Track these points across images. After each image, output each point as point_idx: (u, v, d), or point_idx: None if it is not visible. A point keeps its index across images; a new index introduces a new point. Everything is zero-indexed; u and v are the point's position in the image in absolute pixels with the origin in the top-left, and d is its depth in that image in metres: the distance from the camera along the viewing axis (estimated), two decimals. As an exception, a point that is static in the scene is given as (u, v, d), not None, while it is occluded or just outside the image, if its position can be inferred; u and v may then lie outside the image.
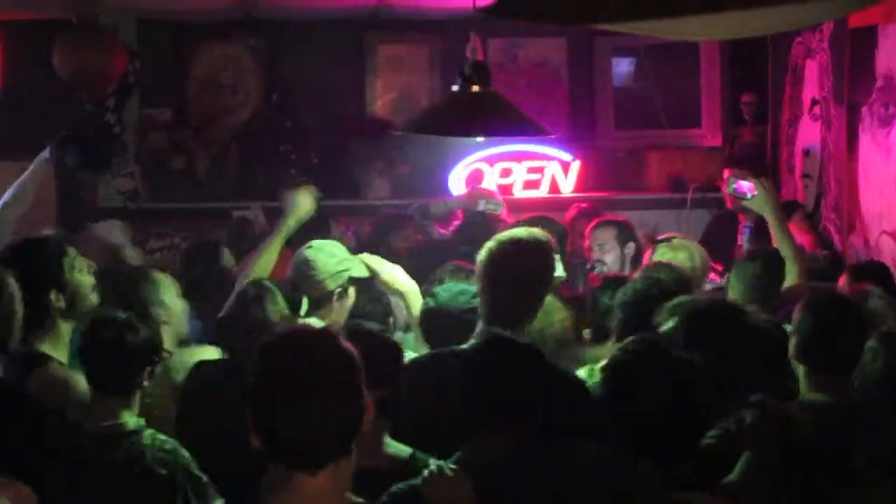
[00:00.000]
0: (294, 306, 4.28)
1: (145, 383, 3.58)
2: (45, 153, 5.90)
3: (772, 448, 3.12)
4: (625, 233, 5.97)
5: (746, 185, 5.02)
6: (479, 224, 6.09)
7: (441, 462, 3.03)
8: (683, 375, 2.98)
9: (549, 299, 4.22)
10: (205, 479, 3.45)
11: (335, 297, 4.42)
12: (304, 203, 4.89)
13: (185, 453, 3.48)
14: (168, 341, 4.06)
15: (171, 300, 4.35)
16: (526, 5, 2.48)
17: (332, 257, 4.45)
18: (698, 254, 5.22)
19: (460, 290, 4.12)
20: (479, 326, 3.80)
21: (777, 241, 4.98)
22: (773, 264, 4.76)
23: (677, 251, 5.11)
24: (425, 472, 3.00)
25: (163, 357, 3.72)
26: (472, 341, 3.73)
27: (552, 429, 3.13)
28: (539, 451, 3.07)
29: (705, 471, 3.04)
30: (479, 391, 3.13)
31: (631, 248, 5.83)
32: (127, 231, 6.26)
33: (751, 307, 4.13)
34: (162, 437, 3.51)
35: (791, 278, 4.85)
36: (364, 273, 4.52)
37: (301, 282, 4.41)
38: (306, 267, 4.41)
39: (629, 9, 2.32)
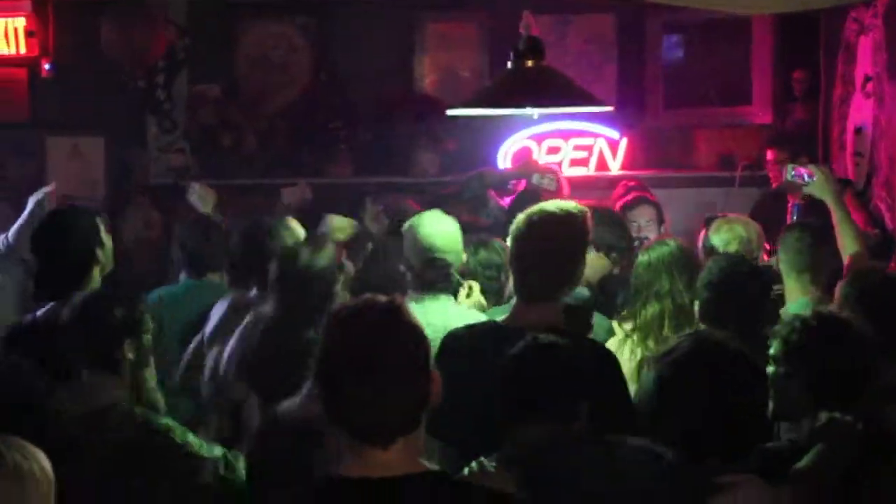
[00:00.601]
0: None
1: (130, 356, 3.61)
2: (40, 195, 5.92)
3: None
4: (661, 213, 6.04)
5: (805, 171, 5.00)
6: (528, 202, 6.06)
7: (482, 459, 2.98)
8: (736, 376, 2.95)
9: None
10: (197, 448, 3.46)
11: None
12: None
13: (177, 426, 3.50)
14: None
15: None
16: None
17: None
18: (754, 229, 5.20)
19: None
20: (514, 301, 3.79)
21: (837, 223, 4.92)
22: (817, 233, 4.74)
23: (734, 225, 5.11)
24: (465, 470, 2.96)
25: (149, 330, 3.74)
26: (505, 315, 3.75)
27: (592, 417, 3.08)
28: (580, 447, 3.00)
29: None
30: (520, 385, 3.07)
31: (664, 229, 5.87)
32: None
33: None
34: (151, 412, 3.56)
35: (856, 260, 4.79)
36: None
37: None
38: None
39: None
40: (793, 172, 5.06)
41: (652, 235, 5.77)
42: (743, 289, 4.10)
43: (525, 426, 3.03)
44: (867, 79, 7.32)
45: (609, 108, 4.96)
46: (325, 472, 2.38)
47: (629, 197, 6.24)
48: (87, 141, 8.24)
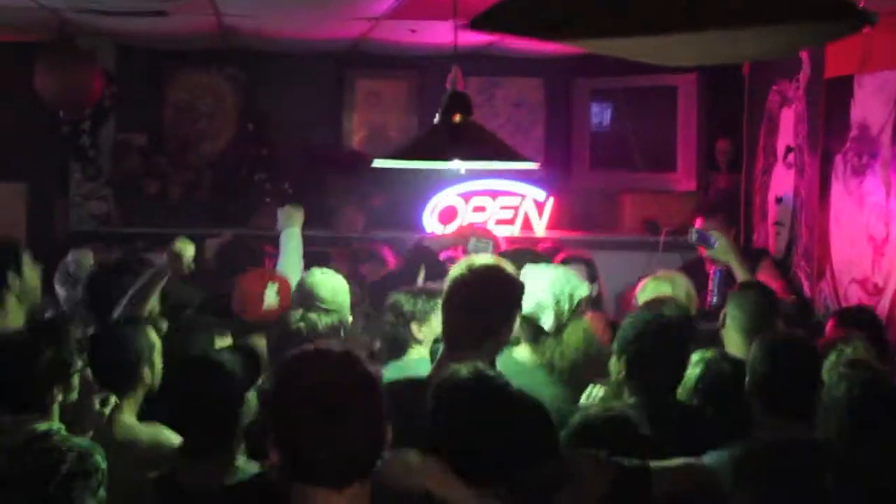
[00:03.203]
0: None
1: (59, 399, 3.61)
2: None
3: None
4: (592, 271, 6.00)
5: (708, 236, 5.10)
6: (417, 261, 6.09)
7: None
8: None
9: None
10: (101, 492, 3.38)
11: None
12: (297, 217, 5.88)
13: (100, 457, 3.41)
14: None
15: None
16: (508, 19, 2.49)
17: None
18: (682, 285, 5.21)
19: None
20: (441, 351, 3.78)
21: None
22: (769, 292, 4.79)
23: (660, 283, 5.13)
24: None
25: (72, 371, 3.72)
26: (432, 367, 3.73)
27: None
28: None
29: None
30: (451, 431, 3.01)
31: (595, 288, 5.84)
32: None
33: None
34: (77, 438, 3.49)
35: None
36: None
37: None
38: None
39: (608, 26, 2.32)
40: (696, 236, 5.16)
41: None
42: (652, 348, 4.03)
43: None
44: (788, 150, 7.46)
45: (535, 166, 4.97)
46: None
47: (562, 256, 6.22)
48: (7, 187, 8.12)
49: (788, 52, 5.42)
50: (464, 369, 3.05)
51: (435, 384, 3.05)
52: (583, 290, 4.42)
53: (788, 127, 7.46)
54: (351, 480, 2.32)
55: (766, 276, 7.14)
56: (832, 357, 4.06)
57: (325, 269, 5.15)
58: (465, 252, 6.40)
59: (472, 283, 3.68)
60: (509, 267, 3.77)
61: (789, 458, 3.45)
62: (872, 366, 3.90)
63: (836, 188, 6.62)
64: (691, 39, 2.36)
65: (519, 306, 3.80)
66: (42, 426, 3.54)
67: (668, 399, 3.88)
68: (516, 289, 3.76)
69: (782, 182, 7.57)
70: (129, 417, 3.99)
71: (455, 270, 3.74)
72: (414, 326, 4.64)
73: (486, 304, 3.66)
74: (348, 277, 5.53)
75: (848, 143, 6.47)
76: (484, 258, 3.85)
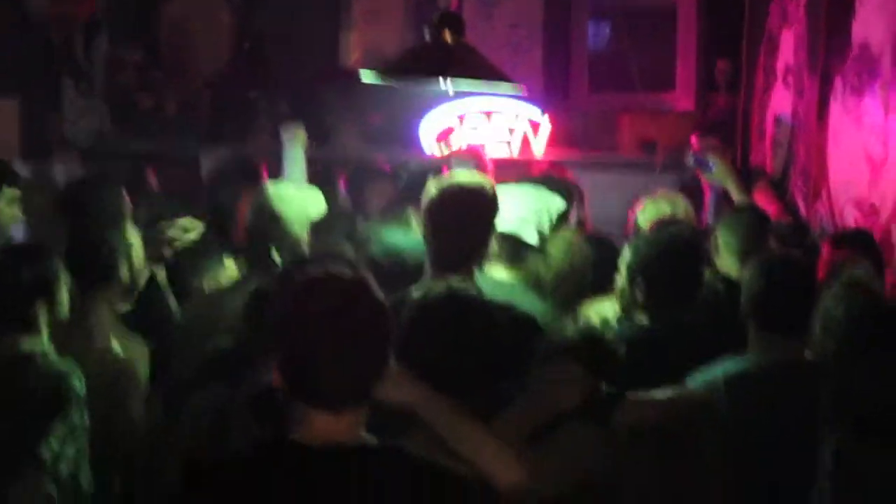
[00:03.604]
0: None
1: (45, 315, 3.58)
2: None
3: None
4: (572, 194, 5.96)
5: (706, 160, 5.08)
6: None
7: None
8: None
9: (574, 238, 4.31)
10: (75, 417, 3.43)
11: None
12: (300, 136, 5.72)
13: (77, 382, 3.46)
14: None
15: None
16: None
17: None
18: (681, 205, 5.18)
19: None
20: (427, 272, 3.77)
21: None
22: (762, 214, 4.78)
23: (659, 203, 5.10)
24: None
25: (58, 288, 3.68)
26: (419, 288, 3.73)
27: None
28: None
29: None
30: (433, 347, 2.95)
31: (581, 214, 5.81)
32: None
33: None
34: (58, 361, 3.51)
35: None
36: None
37: None
38: None
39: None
40: (693, 159, 5.14)
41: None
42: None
43: None
44: (788, 70, 7.41)
45: (521, 90, 4.94)
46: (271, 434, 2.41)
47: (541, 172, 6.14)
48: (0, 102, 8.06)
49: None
50: (438, 286, 3.02)
51: (411, 303, 3.00)
52: (559, 203, 4.41)
53: (788, 46, 7.40)
54: (351, 405, 2.32)
55: (762, 196, 7.12)
56: (843, 279, 4.02)
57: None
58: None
59: (452, 202, 3.67)
60: (486, 183, 3.76)
61: (784, 379, 3.45)
62: (871, 288, 3.90)
63: (835, 108, 6.58)
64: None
65: (495, 216, 3.77)
66: (27, 346, 3.52)
67: (684, 320, 3.82)
68: (496, 204, 3.75)
69: (781, 102, 7.54)
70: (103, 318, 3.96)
71: (433, 191, 3.71)
72: None
73: (467, 221, 3.66)
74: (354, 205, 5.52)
75: (848, 63, 6.41)
76: (461, 175, 3.84)
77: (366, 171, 6.55)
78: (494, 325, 2.97)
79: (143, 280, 4.19)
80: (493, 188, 3.76)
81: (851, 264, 4.25)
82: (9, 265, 3.59)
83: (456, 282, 3.05)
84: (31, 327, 3.56)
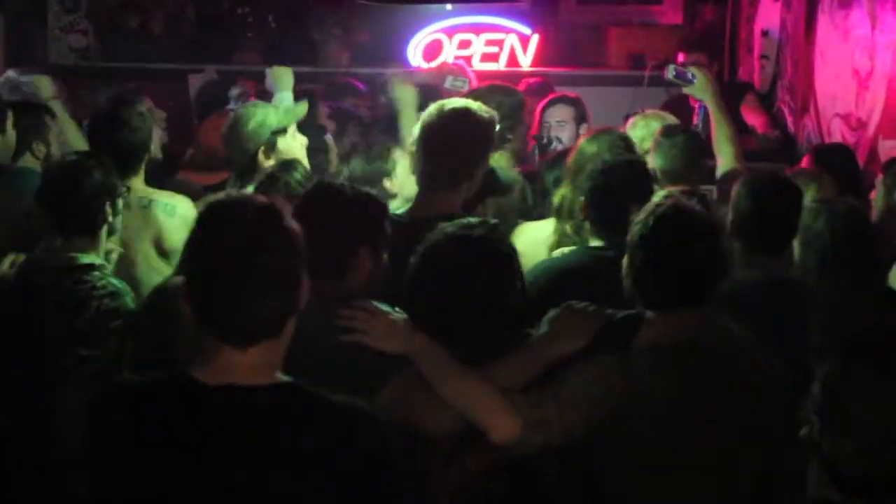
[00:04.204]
0: None
1: (109, 219, 3.71)
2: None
3: None
4: (580, 111, 5.96)
5: (685, 72, 5.08)
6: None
7: None
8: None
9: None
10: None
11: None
12: (287, 78, 5.31)
13: (129, 300, 3.60)
14: None
15: None
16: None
17: None
18: (670, 121, 5.18)
19: None
20: (418, 190, 3.87)
21: (715, 123, 5.00)
22: (690, 140, 4.75)
23: (650, 121, 5.11)
24: None
25: (122, 194, 3.84)
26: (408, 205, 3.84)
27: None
28: None
29: None
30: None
31: (584, 128, 5.80)
32: (60, 87, 5.93)
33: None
34: (113, 279, 3.63)
35: (727, 161, 4.86)
36: None
37: None
38: None
39: None
40: (674, 73, 5.14)
41: (565, 136, 5.75)
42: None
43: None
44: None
45: (518, 2, 4.94)
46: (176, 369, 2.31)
47: (550, 97, 6.12)
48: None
49: None
50: (449, 227, 3.00)
51: (422, 246, 2.97)
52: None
53: (777, -42, 7.37)
54: (256, 341, 2.22)
55: (749, 110, 7.15)
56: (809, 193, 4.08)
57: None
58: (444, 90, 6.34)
59: (445, 125, 3.78)
60: (480, 108, 3.86)
61: (770, 297, 3.48)
62: (850, 200, 3.94)
63: (822, 21, 6.57)
64: None
65: (491, 145, 3.89)
66: (86, 258, 3.63)
67: None
68: (489, 128, 3.86)
69: (769, 15, 7.52)
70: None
71: (427, 114, 3.83)
72: None
73: (459, 143, 3.76)
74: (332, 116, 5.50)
75: (836, -25, 6.40)
76: (455, 101, 3.93)
77: (338, 86, 6.55)
78: (510, 270, 2.97)
79: None
80: (491, 118, 3.87)
81: (809, 178, 4.30)
82: (85, 169, 3.69)
83: (478, 226, 3.00)
84: (94, 237, 3.68)
